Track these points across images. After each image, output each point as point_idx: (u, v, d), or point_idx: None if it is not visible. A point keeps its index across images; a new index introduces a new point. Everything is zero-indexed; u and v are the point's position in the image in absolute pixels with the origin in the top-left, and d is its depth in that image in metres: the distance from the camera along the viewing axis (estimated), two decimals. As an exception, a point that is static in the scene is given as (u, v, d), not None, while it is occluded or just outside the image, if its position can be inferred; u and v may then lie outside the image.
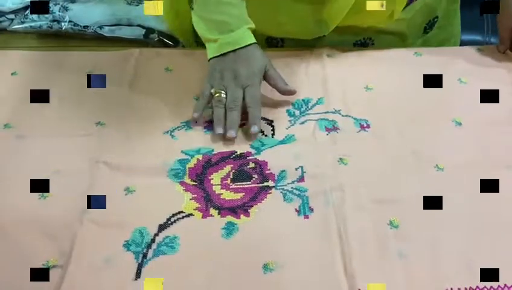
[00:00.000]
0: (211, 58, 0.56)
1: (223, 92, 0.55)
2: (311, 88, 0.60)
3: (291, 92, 0.58)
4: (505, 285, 0.41)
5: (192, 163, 0.51)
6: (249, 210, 0.47)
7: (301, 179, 0.50)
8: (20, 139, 0.53)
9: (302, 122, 0.56)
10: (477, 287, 0.41)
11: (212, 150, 0.53)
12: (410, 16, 0.68)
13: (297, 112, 0.57)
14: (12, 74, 0.61)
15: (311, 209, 0.47)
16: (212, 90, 0.56)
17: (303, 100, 0.59)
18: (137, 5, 0.72)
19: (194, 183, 0.50)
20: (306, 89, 0.59)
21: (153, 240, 0.44)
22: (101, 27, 0.69)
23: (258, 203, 0.48)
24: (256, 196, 0.49)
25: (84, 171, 0.49)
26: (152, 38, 0.70)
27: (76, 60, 0.63)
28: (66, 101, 0.58)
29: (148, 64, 0.62)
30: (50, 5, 0.71)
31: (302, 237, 0.45)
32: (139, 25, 0.70)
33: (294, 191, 0.49)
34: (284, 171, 0.51)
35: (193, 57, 0.64)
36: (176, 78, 0.61)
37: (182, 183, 0.49)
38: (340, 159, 0.52)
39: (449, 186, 0.49)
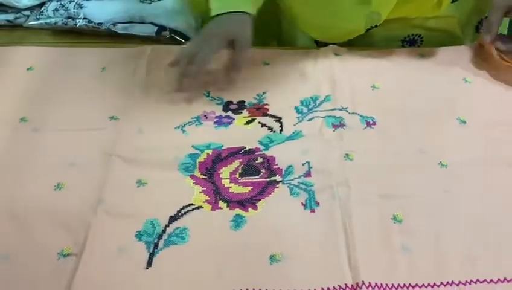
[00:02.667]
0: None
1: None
2: (319, 86, 0.61)
3: (231, 82, 0.59)
4: (505, 278, 0.43)
5: (202, 157, 0.53)
6: (256, 203, 0.49)
7: (308, 174, 0.51)
8: (36, 133, 0.55)
9: (310, 119, 0.57)
10: (478, 280, 0.43)
11: (222, 146, 0.54)
12: (461, 14, 0.68)
13: (305, 109, 0.59)
14: (28, 69, 0.62)
15: (317, 204, 0.49)
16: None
17: (311, 98, 0.60)
18: (150, 3, 0.73)
19: (204, 177, 0.51)
20: (314, 86, 0.61)
21: (163, 231, 0.46)
22: (114, 24, 0.70)
23: (266, 197, 0.49)
24: (264, 190, 0.50)
25: (98, 164, 0.51)
26: (164, 35, 0.71)
27: (91, 57, 0.64)
28: (81, 96, 0.59)
29: (159, 61, 0.63)
30: (65, 2, 0.72)
31: (308, 230, 0.47)
32: (151, 23, 0.71)
33: (301, 185, 0.50)
34: (291, 166, 0.52)
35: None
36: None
37: (192, 176, 0.51)
38: (346, 154, 0.53)
39: (453, 183, 0.50)
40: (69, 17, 0.71)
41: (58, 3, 0.72)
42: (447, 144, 0.54)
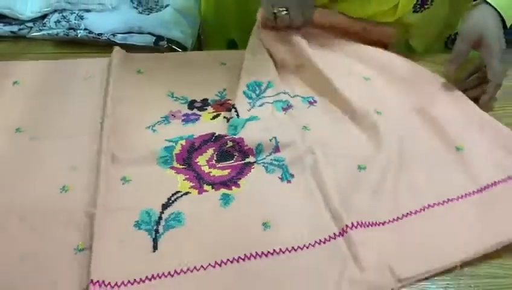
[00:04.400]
0: None
1: (284, 10, 0.63)
2: (260, 72, 0.65)
3: None
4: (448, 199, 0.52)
5: (177, 149, 0.56)
6: (238, 182, 0.53)
7: (277, 149, 0.56)
8: (34, 141, 0.56)
9: (260, 105, 0.62)
10: (429, 205, 0.51)
11: (193, 135, 0.58)
12: (427, 26, 0.70)
13: (253, 95, 0.63)
14: (14, 82, 0.64)
15: (292, 175, 0.54)
16: (275, 10, 0.63)
17: (255, 82, 0.64)
18: (148, 14, 0.76)
19: (183, 166, 0.54)
20: (257, 72, 0.65)
21: (160, 218, 0.49)
22: (114, 35, 0.72)
23: (245, 176, 0.54)
24: (242, 171, 0.54)
25: (93, 166, 0.53)
26: (161, 45, 0.73)
27: (74, 67, 0.67)
28: (70, 105, 0.61)
29: (121, 67, 0.65)
30: (67, 14, 0.74)
31: (289, 198, 0.52)
32: (149, 33, 0.74)
33: (274, 162, 0.55)
34: (260, 144, 0.56)
35: (161, 60, 0.69)
36: (148, 79, 0.65)
37: (172, 168, 0.54)
38: (304, 126, 0.59)
39: (389, 129, 0.58)
40: (71, 28, 0.73)
41: (60, 15, 0.74)
42: (371, 101, 0.62)
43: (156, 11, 0.77)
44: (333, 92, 0.63)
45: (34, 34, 0.73)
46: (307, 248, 0.47)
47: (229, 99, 0.63)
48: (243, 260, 0.46)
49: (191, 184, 0.52)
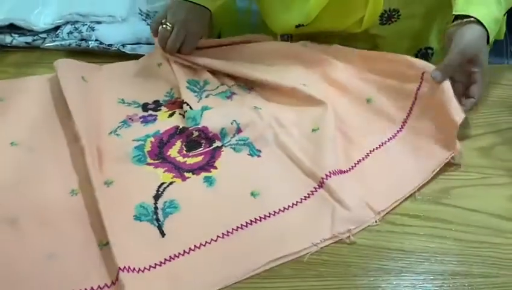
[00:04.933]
0: None
1: (169, 25, 0.66)
2: (193, 74, 0.69)
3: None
4: (382, 143, 0.60)
5: (148, 146, 0.59)
6: (214, 164, 0.57)
7: (239, 130, 0.61)
8: (33, 152, 0.57)
9: (207, 96, 0.66)
10: (370, 151, 0.59)
11: (159, 131, 0.61)
12: (396, 38, 0.73)
13: (196, 89, 0.66)
14: None
15: (259, 150, 0.59)
16: (163, 21, 0.66)
17: (193, 80, 0.67)
18: (156, 26, 0.80)
19: (158, 161, 0.57)
20: (190, 74, 0.69)
21: (156, 208, 0.52)
22: (123, 45, 0.75)
23: (218, 159, 0.58)
24: (213, 155, 0.59)
25: (87, 171, 0.53)
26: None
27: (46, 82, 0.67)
28: (55, 117, 0.62)
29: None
30: (78, 25, 0.76)
31: (264, 169, 0.57)
32: (156, 44, 0.77)
33: (240, 142, 0.60)
34: (224, 128, 0.60)
35: (103, 70, 0.71)
36: (92, 88, 0.66)
37: (148, 164, 0.57)
38: (254, 107, 0.64)
39: (318, 96, 0.64)
40: (82, 39, 0.75)
41: (72, 26, 0.77)
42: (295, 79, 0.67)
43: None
44: (263, 81, 0.67)
45: (48, 44, 0.76)
46: (296, 205, 0.53)
47: (178, 98, 0.66)
48: (246, 226, 0.50)
49: (172, 174, 0.56)
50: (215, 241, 0.49)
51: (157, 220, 0.51)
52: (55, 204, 0.52)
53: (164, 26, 0.68)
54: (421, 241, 0.51)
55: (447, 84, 0.59)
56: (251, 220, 0.51)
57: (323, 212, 0.52)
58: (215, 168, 0.57)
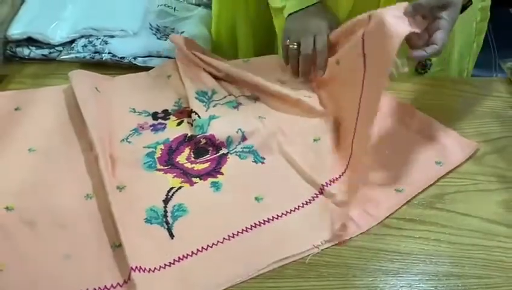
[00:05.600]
0: (287, 17, 0.70)
1: (295, 44, 0.67)
2: (201, 84, 0.71)
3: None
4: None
5: (158, 153, 0.62)
6: (220, 171, 0.60)
7: (244, 138, 0.64)
8: (49, 158, 0.60)
9: (214, 106, 0.68)
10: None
11: (169, 139, 0.64)
12: None
13: (204, 99, 0.69)
14: (15, 109, 0.67)
15: (263, 158, 0.62)
16: (288, 42, 0.68)
17: (201, 91, 0.70)
18: (166, 40, 0.83)
19: (167, 167, 0.60)
20: (198, 84, 0.71)
21: (165, 211, 0.54)
22: (135, 58, 0.78)
23: (224, 165, 0.61)
24: (219, 161, 0.61)
25: (100, 178, 0.56)
26: (178, 68, 0.79)
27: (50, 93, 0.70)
28: (69, 125, 0.65)
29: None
30: (93, 39, 0.79)
31: (267, 175, 0.60)
32: (167, 56, 0.80)
33: (245, 150, 0.63)
34: (229, 136, 0.63)
35: (115, 81, 0.73)
36: (104, 98, 0.69)
37: (158, 170, 0.60)
38: (259, 116, 0.66)
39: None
40: (96, 52, 0.79)
41: (87, 40, 0.80)
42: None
43: (173, 37, 0.84)
44: (270, 91, 0.69)
45: (63, 57, 0.80)
46: (298, 209, 0.56)
47: (186, 107, 0.69)
48: (250, 229, 0.53)
49: (181, 179, 0.59)
50: (222, 243, 0.52)
51: (167, 223, 0.54)
52: (71, 208, 0.55)
53: (291, 46, 0.69)
54: (417, 244, 0.53)
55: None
56: (255, 223, 0.54)
57: (323, 216, 0.55)
58: (222, 174, 0.60)
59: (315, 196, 0.57)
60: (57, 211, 0.55)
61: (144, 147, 0.63)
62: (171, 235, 0.53)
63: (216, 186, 0.58)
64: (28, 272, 0.49)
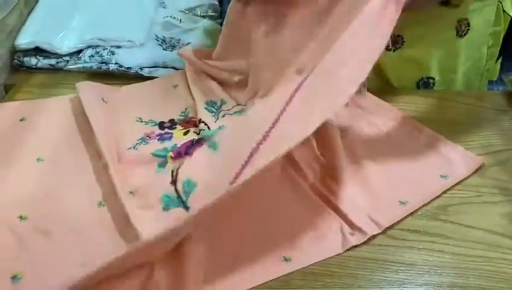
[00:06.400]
0: None
1: None
2: (210, 94, 0.72)
3: None
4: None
5: (169, 162, 0.62)
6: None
7: None
8: (57, 167, 0.61)
9: (223, 116, 0.69)
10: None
11: (176, 145, 0.64)
12: (391, 62, 0.75)
13: (213, 109, 0.70)
14: (21, 120, 0.68)
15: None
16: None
17: (211, 101, 0.71)
18: (171, 51, 0.84)
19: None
20: (207, 94, 0.72)
21: (178, 194, 0.55)
22: (141, 68, 0.79)
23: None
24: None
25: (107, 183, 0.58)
26: (183, 78, 0.81)
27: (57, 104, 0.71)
28: (77, 134, 0.66)
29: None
30: (99, 49, 0.80)
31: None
32: (172, 67, 0.81)
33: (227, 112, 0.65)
34: None
35: (121, 91, 0.74)
36: (111, 108, 0.70)
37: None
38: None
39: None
40: (103, 62, 0.79)
41: (94, 50, 0.81)
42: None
43: (178, 48, 0.86)
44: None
45: (71, 66, 0.80)
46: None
47: (193, 117, 0.70)
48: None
49: (180, 159, 0.60)
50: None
51: (182, 201, 0.55)
52: (84, 216, 0.56)
53: None
54: (421, 255, 0.54)
55: None
56: (263, 136, 0.49)
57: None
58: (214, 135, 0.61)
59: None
60: (71, 219, 0.55)
61: (152, 154, 0.63)
62: (186, 209, 0.54)
63: (213, 146, 0.60)
64: (46, 281, 0.49)
